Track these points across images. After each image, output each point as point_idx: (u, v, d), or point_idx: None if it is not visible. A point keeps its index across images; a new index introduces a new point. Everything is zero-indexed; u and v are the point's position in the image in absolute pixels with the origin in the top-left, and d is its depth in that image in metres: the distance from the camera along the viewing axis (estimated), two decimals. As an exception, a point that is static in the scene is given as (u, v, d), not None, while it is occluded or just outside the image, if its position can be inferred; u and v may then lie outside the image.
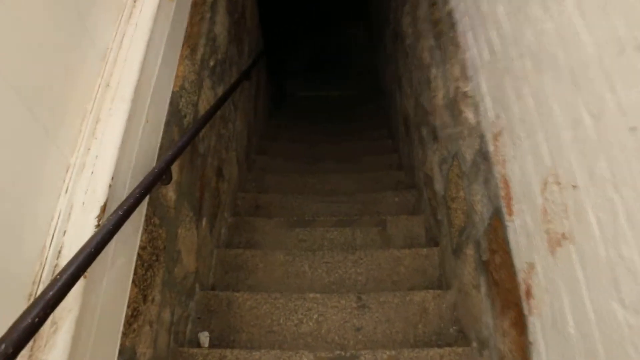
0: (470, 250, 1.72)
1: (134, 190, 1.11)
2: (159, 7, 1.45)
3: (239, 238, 2.45)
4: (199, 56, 1.99)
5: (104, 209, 1.03)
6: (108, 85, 1.21)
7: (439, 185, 2.17)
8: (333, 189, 2.97)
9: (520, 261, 1.24)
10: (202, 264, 1.97)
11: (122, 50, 1.28)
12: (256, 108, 3.54)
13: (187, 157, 1.82)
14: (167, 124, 1.59)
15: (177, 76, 1.69)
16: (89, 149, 1.09)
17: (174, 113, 1.66)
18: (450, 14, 1.84)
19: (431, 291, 1.90)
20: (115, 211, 1.01)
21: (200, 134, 2.00)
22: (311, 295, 1.84)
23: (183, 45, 1.76)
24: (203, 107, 2.03)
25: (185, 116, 1.77)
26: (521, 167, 1.21)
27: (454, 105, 1.84)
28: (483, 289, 1.59)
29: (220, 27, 2.39)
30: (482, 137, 1.54)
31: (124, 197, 1.11)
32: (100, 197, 1.03)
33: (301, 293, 1.86)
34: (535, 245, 1.14)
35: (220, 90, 2.36)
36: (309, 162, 3.32)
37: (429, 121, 2.29)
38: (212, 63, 2.20)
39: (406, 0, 2.82)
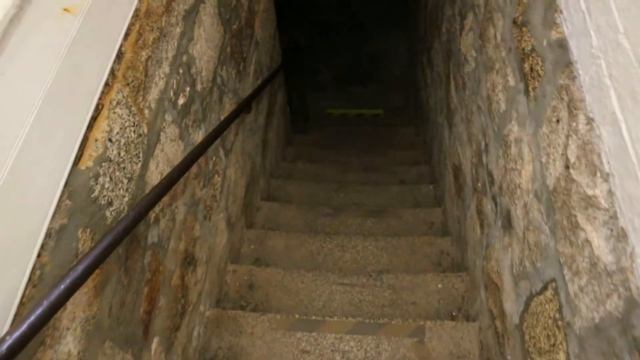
0: None
1: None
2: (20, 28, 0.75)
3: (218, 343, 1.75)
4: (152, 96, 1.29)
5: None
6: None
7: (511, 307, 1.41)
8: (355, 259, 2.24)
9: None
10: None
11: None
12: (266, 141, 2.82)
13: (115, 265, 1.13)
14: (61, 233, 0.90)
15: (92, 141, 1.01)
16: None
17: (81, 208, 0.97)
18: (560, 46, 1.07)
19: None
20: None
21: (151, 216, 1.31)
22: None
23: (110, 87, 1.07)
24: (159, 173, 1.34)
25: (109, 204, 1.08)
26: None
27: (558, 206, 1.08)
28: None
29: (203, 45, 1.69)
30: (632, 302, 0.78)
31: None
32: None
33: None
34: None
35: (199, 135, 1.67)
36: (329, 215, 2.59)
37: (499, 199, 1.53)
38: (182, 101, 1.51)
39: (469, 9, 2.06)
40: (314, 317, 1.77)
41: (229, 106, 1.98)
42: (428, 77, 3.49)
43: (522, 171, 1.31)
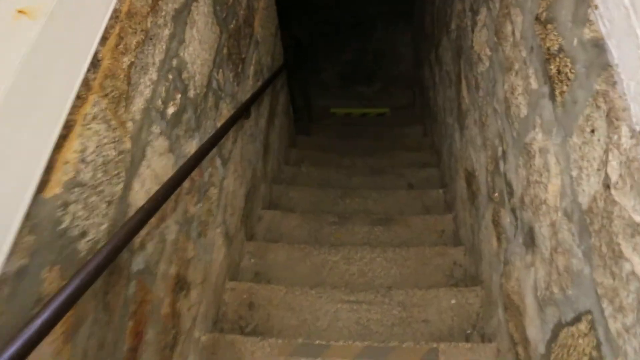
0: None
1: None
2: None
3: (213, 369, 1.63)
4: (137, 106, 1.17)
5: None
6: None
7: (535, 333, 1.28)
8: (362, 273, 2.11)
9: None
10: None
11: None
12: (267, 146, 2.69)
13: (91, 303, 1.00)
14: (19, 276, 0.78)
15: (61, 164, 0.88)
16: None
17: (47, 243, 0.85)
18: (596, 45, 0.94)
19: None
20: None
21: (136, 242, 1.18)
22: None
23: (84, 99, 0.94)
24: (145, 192, 1.21)
25: (83, 235, 0.96)
26: None
27: (595, 229, 0.95)
28: None
29: (196, 48, 1.56)
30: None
31: None
32: None
33: None
34: None
35: (193, 146, 1.55)
36: (334, 223, 2.46)
37: (520, 213, 1.40)
38: (171, 109, 1.38)
39: (482, 3, 1.91)
40: (317, 342, 1.64)
41: (226, 112, 1.85)
42: (436, 75, 3.35)
43: (549, 185, 1.17)
